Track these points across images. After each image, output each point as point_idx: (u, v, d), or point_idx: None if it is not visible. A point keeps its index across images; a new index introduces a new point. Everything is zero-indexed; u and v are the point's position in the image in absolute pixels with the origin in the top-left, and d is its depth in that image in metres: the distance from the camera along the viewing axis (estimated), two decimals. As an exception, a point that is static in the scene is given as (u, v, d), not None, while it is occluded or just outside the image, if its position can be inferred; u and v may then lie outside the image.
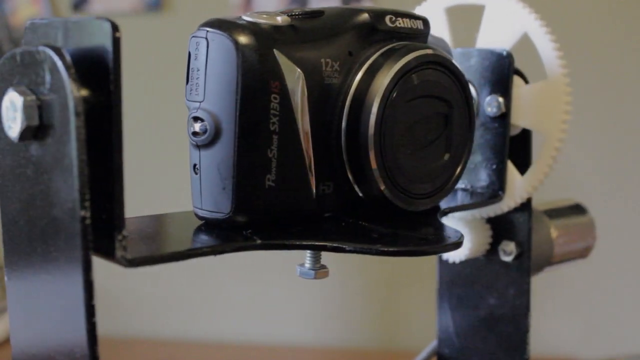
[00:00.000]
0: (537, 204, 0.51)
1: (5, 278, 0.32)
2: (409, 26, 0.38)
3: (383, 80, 0.35)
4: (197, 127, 0.34)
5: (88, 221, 0.27)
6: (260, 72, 0.33)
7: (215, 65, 0.33)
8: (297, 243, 0.33)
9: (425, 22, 0.39)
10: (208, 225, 0.35)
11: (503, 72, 0.44)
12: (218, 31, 0.33)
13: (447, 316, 0.51)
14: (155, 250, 0.30)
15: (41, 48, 0.28)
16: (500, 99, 0.44)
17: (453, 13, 0.48)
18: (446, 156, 0.38)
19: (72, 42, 0.29)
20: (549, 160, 0.43)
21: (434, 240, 0.35)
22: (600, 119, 0.97)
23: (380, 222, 0.37)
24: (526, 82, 0.45)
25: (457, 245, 0.35)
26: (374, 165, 0.35)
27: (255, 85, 0.33)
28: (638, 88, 0.97)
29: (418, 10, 0.48)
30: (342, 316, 0.96)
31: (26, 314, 0.31)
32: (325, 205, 0.36)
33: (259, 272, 0.93)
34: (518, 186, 0.45)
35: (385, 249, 0.33)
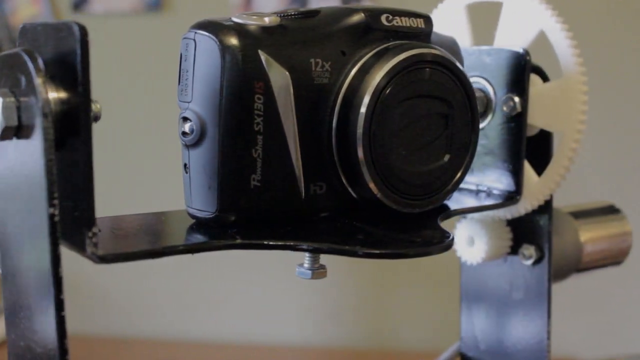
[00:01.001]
0: (565, 206, 0.49)
1: (1, 271, 0.33)
2: (408, 25, 0.37)
3: (373, 79, 0.35)
4: (186, 127, 0.34)
5: (57, 218, 0.28)
6: (244, 72, 0.33)
7: (201, 66, 0.34)
8: (274, 243, 0.33)
9: (427, 20, 0.38)
10: (199, 224, 0.35)
11: (519, 70, 0.42)
12: (204, 32, 0.34)
13: (470, 318, 0.50)
14: (130, 247, 0.31)
15: (18, 51, 0.29)
16: (516, 99, 0.42)
17: (475, 11, 0.47)
18: (446, 157, 0.38)
19: (52, 45, 0.30)
20: (564, 162, 0.42)
21: (421, 243, 0.34)
22: (601, 119, 0.93)
23: (376, 224, 0.37)
24: (546, 80, 0.43)
25: (444, 248, 0.34)
26: (363, 165, 0.35)
27: (239, 85, 0.33)
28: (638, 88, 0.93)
29: (440, 8, 0.47)
30: (338, 316, 0.95)
31: (14, 306, 0.32)
32: (318, 205, 0.36)
33: (258, 272, 0.93)
34: (535, 188, 0.43)
35: (363, 251, 0.32)
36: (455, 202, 0.43)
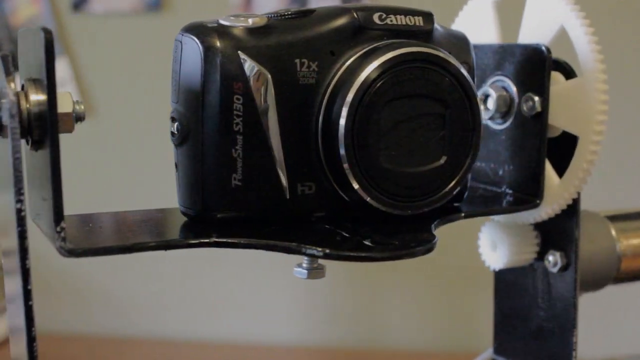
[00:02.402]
0: (604, 210, 0.46)
1: (2, 260, 0.35)
2: (404, 23, 0.37)
3: (357, 79, 0.34)
4: (174, 127, 0.35)
5: (24, 213, 0.30)
6: (223, 73, 0.34)
7: (186, 67, 0.35)
8: (246, 242, 0.33)
9: (427, 17, 0.37)
10: (190, 222, 0.36)
11: (539, 68, 0.40)
12: (189, 35, 0.34)
13: (502, 324, 0.48)
14: (102, 242, 0.32)
15: (-2, 56, 0.31)
16: (536, 98, 0.41)
17: (506, 7, 0.45)
18: (443, 159, 0.37)
19: (34, 50, 0.32)
20: (583, 165, 0.40)
21: (397, 246, 0.33)
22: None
23: (368, 225, 0.36)
24: (569, 78, 0.41)
25: (420, 252, 0.33)
26: (346, 166, 0.35)
27: (218, 86, 0.34)
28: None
29: (470, 5, 0.46)
30: (335, 317, 0.92)
31: (6, 298, 0.34)
32: (308, 206, 0.36)
33: (259, 272, 0.90)
34: (556, 192, 0.41)
35: (327, 252, 0.32)
36: (475, 204, 0.42)
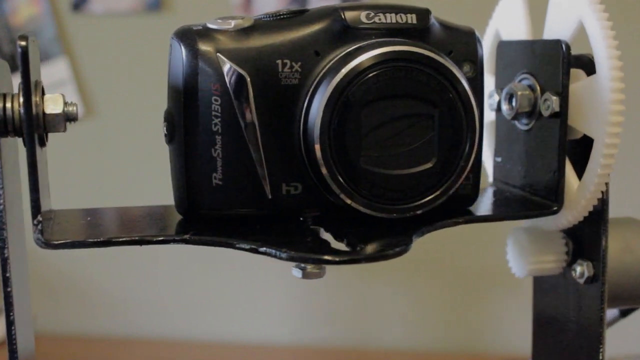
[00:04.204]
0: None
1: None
2: (395, 21, 0.36)
3: (335, 79, 0.34)
4: (165, 127, 0.37)
5: (1, 206, 0.32)
6: (201, 75, 0.35)
7: (172, 70, 0.36)
8: (218, 240, 0.34)
9: (422, 15, 0.36)
10: (184, 219, 0.37)
11: (556, 65, 0.38)
12: (175, 38, 0.36)
13: (539, 338, 0.46)
14: (86, 235, 0.34)
15: (-9, 61, 0.34)
16: (554, 97, 0.38)
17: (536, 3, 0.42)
18: (432, 161, 0.35)
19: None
20: (597, 170, 0.37)
21: (360, 251, 0.33)
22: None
23: (354, 227, 0.36)
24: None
25: (392, 255, 0.32)
26: (323, 169, 0.34)
27: (197, 87, 0.35)
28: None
29: (502, 1, 0.44)
30: (332, 316, 0.87)
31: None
32: (295, 206, 0.36)
33: (258, 273, 0.86)
34: (574, 199, 0.38)
35: (288, 253, 0.32)
36: (489, 208, 0.40)
